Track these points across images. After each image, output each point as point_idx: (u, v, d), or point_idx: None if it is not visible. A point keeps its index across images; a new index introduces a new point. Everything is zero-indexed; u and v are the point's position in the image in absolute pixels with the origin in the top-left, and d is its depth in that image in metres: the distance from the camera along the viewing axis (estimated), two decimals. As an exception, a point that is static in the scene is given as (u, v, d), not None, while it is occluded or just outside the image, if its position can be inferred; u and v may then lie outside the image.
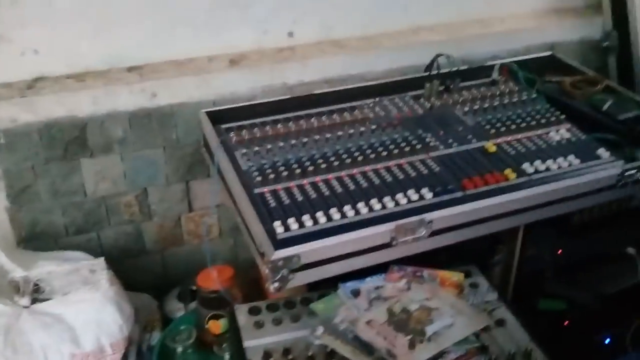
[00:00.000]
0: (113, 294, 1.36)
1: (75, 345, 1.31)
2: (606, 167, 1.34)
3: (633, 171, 1.33)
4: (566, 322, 1.51)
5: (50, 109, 1.49)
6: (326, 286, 1.22)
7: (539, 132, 1.44)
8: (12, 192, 1.53)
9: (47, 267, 1.37)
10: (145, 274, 1.74)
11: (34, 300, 1.33)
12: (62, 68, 1.55)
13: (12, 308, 1.30)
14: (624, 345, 1.57)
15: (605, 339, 1.59)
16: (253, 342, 1.06)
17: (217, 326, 1.40)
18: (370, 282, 1.17)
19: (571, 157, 1.35)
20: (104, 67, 1.58)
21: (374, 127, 1.46)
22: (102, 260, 1.42)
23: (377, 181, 1.28)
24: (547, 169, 1.33)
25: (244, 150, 1.37)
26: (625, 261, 1.54)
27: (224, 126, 1.47)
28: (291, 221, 1.16)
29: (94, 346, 1.32)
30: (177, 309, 1.63)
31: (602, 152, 1.38)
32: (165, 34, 1.60)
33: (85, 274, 1.36)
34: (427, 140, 1.42)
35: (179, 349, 1.41)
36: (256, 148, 1.37)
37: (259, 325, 1.10)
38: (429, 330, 1.02)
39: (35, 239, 1.59)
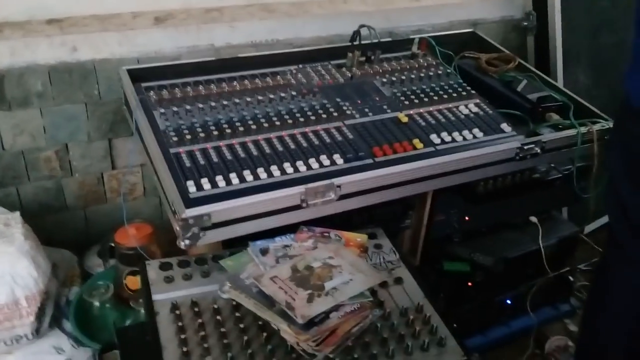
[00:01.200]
0: (28, 248, 1.36)
1: (-11, 297, 1.32)
2: (508, 140, 1.44)
3: (531, 145, 1.44)
4: (469, 283, 1.62)
5: (-36, 59, 1.45)
6: (240, 244, 1.27)
7: (450, 105, 1.53)
8: None
9: (-42, 220, 1.36)
10: (67, 230, 1.74)
11: (-56, 253, 1.32)
12: (-23, 17, 1.50)
13: None
14: (524, 306, 1.72)
15: (506, 300, 1.73)
16: (161, 296, 1.11)
17: (134, 282, 1.44)
18: (279, 242, 1.22)
19: (476, 130, 1.44)
20: (23, 18, 1.53)
21: (294, 93, 1.50)
22: (17, 214, 1.42)
23: (292, 146, 1.33)
24: (453, 140, 1.41)
25: (163, 110, 1.39)
26: (527, 228, 1.67)
27: (144, 84, 1.47)
28: (204, 181, 1.21)
29: (9, 299, 1.33)
30: (97, 265, 1.65)
31: (505, 126, 1.48)
32: (88, -14, 1.57)
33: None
34: (344, 108, 1.47)
35: (96, 304, 1.45)
36: (175, 108, 1.39)
37: (169, 279, 1.14)
38: (328, 285, 1.09)
39: (-52, 192, 1.56)
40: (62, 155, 1.65)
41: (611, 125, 1.47)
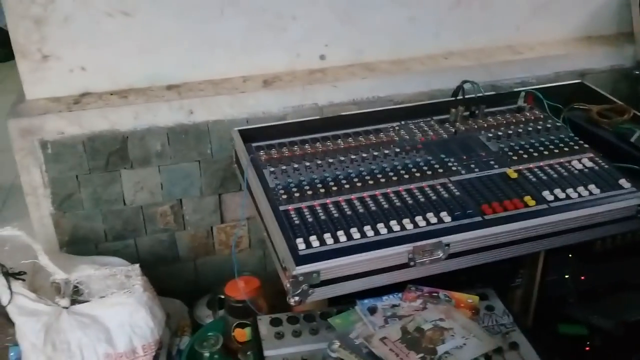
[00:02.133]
0: (146, 299, 1.44)
1: (110, 345, 1.41)
2: (627, 197, 1.36)
3: (654, 202, 1.34)
4: (587, 348, 1.51)
5: (95, 122, 1.60)
6: (346, 302, 1.27)
7: (561, 160, 1.47)
8: (57, 199, 1.64)
9: (86, 271, 1.46)
10: (178, 281, 1.83)
11: (73, 302, 1.43)
12: (107, 85, 1.66)
13: (53, 308, 1.39)
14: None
15: (627, 366, 1.60)
16: (273, 352, 1.13)
17: (242, 334, 1.47)
18: (387, 301, 1.21)
19: (592, 186, 1.37)
20: (145, 85, 1.68)
21: (397, 150, 1.52)
22: (137, 266, 1.51)
23: (397, 203, 1.33)
24: (567, 197, 1.35)
25: (272, 169, 1.44)
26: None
27: (254, 144, 1.55)
28: (313, 238, 1.23)
29: (127, 347, 1.41)
30: (206, 315, 1.70)
31: (623, 182, 1.39)
32: (203, 54, 1.70)
33: (121, 279, 1.45)
34: (450, 164, 1.46)
35: (206, 354, 1.49)
36: (283, 167, 1.45)
37: (279, 335, 1.16)
38: (440, 349, 1.06)
39: (76, 244, 1.69)
40: (177, 210, 1.75)
41: None
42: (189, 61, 1.70)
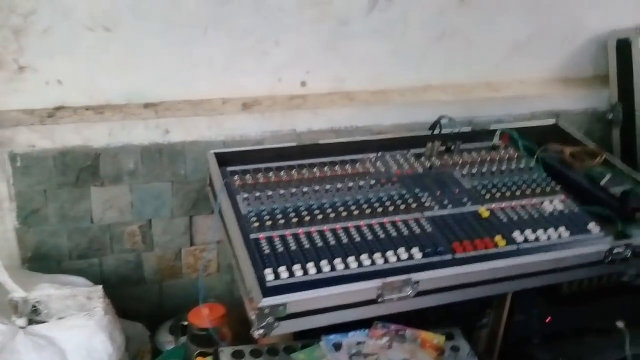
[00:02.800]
0: (107, 323, 1.40)
1: (65, 369, 1.36)
2: (595, 242, 1.37)
3: (621, 249, 1.36)
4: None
5: (68, 137, 1.57)
6: (312, 336, 1.25)
7: (534, 201, 1.48)
8: (22, 213, 1.59)
9: (46, 290, 1.42)
10: (142, 304, 1.78)
11: (31, 322, 1.38)
12: (83, 99, 1.63)
13: (9, 327, 1.34)
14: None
15: (590, 411, 1.60)
16: (233, 386, 1.10)
17: (203, 363, 1.44)
18: (353, 337, 1.20)
19: (562, 229, 1.39)
20: (122, 102, 1.66)
21: (373, 182, 1.51)
22: (99, 288, 1.47)
23: (369, 237, 1.32)
24: (537, 239, 1.36)
25: (246, 195, 1.43)
26: (614, 334, 1.56)
27: (230, 168, 1.53)
28: (282, 270, 1.21)
29: (83, 372, 1.36)
30: (168, 342, 1.66)
31: (592, 226, 1.41)
32: (183, 74, 1.68)
33: (82, 301, 1.41)
34: (423, 200, 1.46)
35: (165, 382, 1.45)
36: (257, 193, 1.43)
37: (240, 369, 1.14)
38: (404, 391, 1.05)
39: (39, 260, 1.64)
40: (146, 230, 1.71)
41: None
42: (169, 80, 1.68)
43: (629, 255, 1.37)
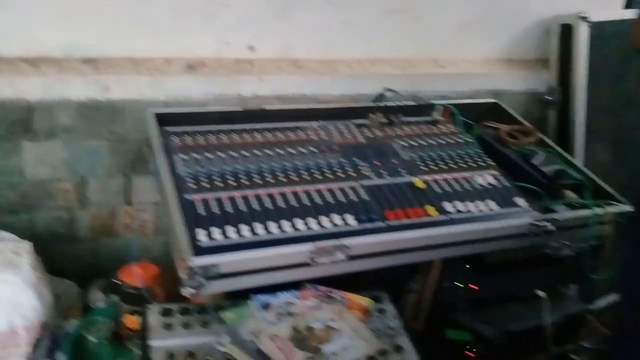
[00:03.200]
0: (34, 279, 1.37)
1: (-13, 323, 1.32)
2: (522, 215, 1.43)
3: (545, 223, 1.42)
4: (470, 354, 1.58)
5: (0, 89, 1.50)
6: (245, 297, 1.27)
7: (467, 174, 1.53)
8: (-51, 165, 1.53)
9: (-28, 245, 1.38)
10: (76, 262, 1.75)
11: (-45, 275, 1.34)
12: (18, 51, 1.56)
13: None
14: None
15: (506, 374, 1.68)
16: (158, 343, 1.10)
17: (134, 321, 1.43)
18: (282, 298, 1.22)
19: (491, 202, 1.44)
20: (60, 55, 1.60)
21: (314, 149, 1.52)
22: (27, 243, 1.43)
23: (306, 202, 1.34)
24: (467, 211, 1.41)
25: (184, 156, 1.41)
26: (533, 302, 1.64)
27: (169, 129, 1.51)
28: (215, 231, 1.21)
29: (6, 327, 1.32)
30: (99, 299, 1.64)
31: (520, 201, 1.47)
32: (126, 30, 1.63)
33: (8, 255, 1.37)
34: (362, 169, 1.48)
35: (94, 340, 1.44)
36: (196, 155, 1.42)
37: (168, 327, 1.14)
38: (326, 349, 1.08)
39: (-34, 214, 1.59)
40: (80, 188, 1.67)
41: (627, 209, 1.47)
42: (110, 35, 1.63)
43: (552, 229, 1.43)
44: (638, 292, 1.26)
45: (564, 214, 1.46)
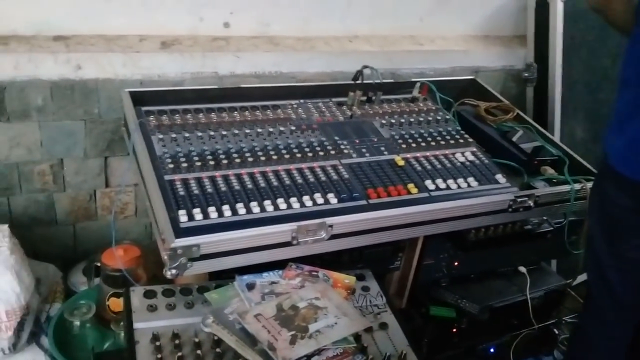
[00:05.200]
0: (13, 263, 1.35)
1: (-32, 309, 1.30)
2: (501, 191, 1.45)
3: (525, 199, 1.44)
4: (454, 329, 1.61)
5: (-32, 68, 1.46)
6: (227, 277, 1.26)
7: (447, 151, 1.54)
8: None
9: (-53, 230, 1.34)
10: (54, 245, 1.72)
11: None
12: (-15, 28, 1.51)
13: None
14: (508, 356, 1.70)
15: (490, 349, 1.72)
16: (143, 324, 1.09)
17: (117, 304, 1.42)
18: (266, 277, 1.22)
19: (471, 179, 1.45)
20: (29, 33, 1.55)
21: (293, 128, 1.51)
22: (5, 227, 1.40)
23: (287, 181, 1.33)
24: (448, 187, 1.42)
25: (161, 136, 1.39)
26: (515, 278, 1.68)
27: (145, 108, 1.48)
28: (196, 211, 1.20)
29: (-13, 312, 1.31)
30: (81, 282, 1.63)
31: (499, 177, 1.49)
32: (98, 6, 1.59)
33: (-15, 240, 1.35)
34: (342, 147, 1.48)
35: (77, 323, 1.43)
36: (174, 135, 1.40)
37: (152, 308, 1.13)
38: (312, 328, 1.08)
39: (-61, 199, 1.55)
40: (57, 170, 1.64)
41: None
42: (81, 12, 1.58)
43: (531, 205, 1.45)
44: (598, 256, 1.29)
45: (543, 189, 1.48)
